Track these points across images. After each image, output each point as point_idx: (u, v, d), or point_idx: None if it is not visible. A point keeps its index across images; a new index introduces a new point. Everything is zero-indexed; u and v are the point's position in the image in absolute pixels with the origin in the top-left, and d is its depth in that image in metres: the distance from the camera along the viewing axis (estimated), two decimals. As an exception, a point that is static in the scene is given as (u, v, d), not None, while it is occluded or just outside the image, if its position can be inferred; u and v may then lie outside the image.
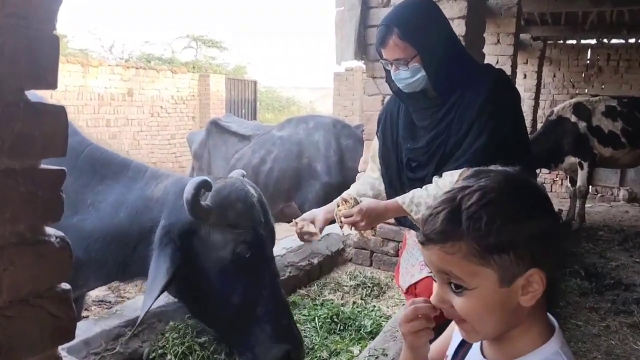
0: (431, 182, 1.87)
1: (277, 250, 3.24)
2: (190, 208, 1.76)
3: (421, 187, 1.88)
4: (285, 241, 3.65)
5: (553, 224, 0.91)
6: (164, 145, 11.95)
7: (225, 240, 1.83)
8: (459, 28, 3.06)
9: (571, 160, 6.14)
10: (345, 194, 2.02)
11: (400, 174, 2.05)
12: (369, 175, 2.21)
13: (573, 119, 6.09)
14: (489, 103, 1.81)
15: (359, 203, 1.87)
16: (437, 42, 1.85)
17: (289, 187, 4.96)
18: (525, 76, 7.86)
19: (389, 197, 2.10)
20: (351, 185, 2.24)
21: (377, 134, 2.20)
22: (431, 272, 0.95)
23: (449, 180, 1.80)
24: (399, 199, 1.87)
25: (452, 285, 0.91)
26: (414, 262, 1.97)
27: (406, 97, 1.96)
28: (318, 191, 4.82)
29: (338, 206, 1.90)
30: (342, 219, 1.85)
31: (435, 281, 0.95)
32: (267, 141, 5.17)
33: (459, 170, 1.80)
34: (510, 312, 0.90)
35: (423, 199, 1.83)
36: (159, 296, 1.75)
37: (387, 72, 1.95)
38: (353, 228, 1.87)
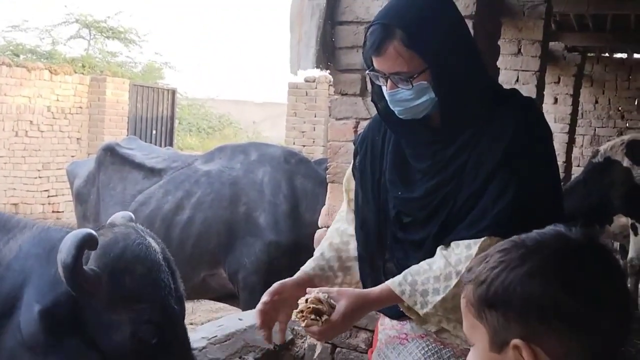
0: (433, 253, 1.90)
1: (195, 340, 3.19)
2: (70, 277, 1.72)
3: (417, 261, 1.90)
4: (207, 327, 3.60)
5: (555, 302, 1.07)
6: (31, 178, 11.72)
7: (121, 322, 1.81)
8: (464, 31, 3.19)
9: (622, 221, 6.29)
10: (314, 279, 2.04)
11: (382, 233, 2.08)
12: (339, 228, 2.23)
13: (626, 162, 6.25)
14: (518, 147, 1.87)
15: (332, 307, 1.82)
16: (454, 54, 1.91)
17: (216, 246, 4.94)
18: (556, 101, 8.19)
19: (361, 266, 2.13)
20: (316, 251, 2.23)
21: (352, 169, 2.24)
22: None
23: (464, 255, 1.83)
24: (394, 286, 1.87)
25: None
26: None
27: (399, 125, 2.00)
28: (259, 254, 4.82)
29: (302, 313, 1.83)
30: (315, 336, 1.84)
31: None
32: (187, 178, 5.16)
33: (478, 241, 1.84)
34: None
35: (431, 284, 1.84)
36: None
37: (376, 87, 2.00)
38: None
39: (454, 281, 1.82)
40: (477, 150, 1.91)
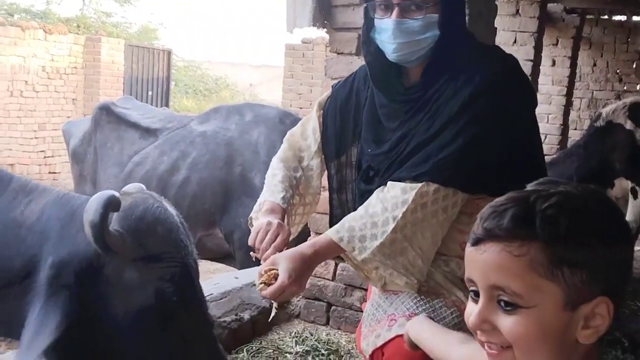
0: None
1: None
2: (97, 236, 1.77)
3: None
4: (203, 286, 3.64)
5: (631, 255, 1.10)
6: (27, 139, 11.69)
7: (143, 280, 1.87)
8: (461, -10, 3.18)
9: (623, 183, 6.30)
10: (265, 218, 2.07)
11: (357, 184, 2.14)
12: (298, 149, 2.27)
13: (629, 125, 6.20)
14: (479, 99, 1.86)
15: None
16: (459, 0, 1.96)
17: (211, 207, 4.95)
18: (554, 63, 8.15)
19: (335, 211, 2.20)
20: (269, 184, 2.24)
21: (322, 107, 2.26)
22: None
23: (401, 200, 1.85)
24: (332, 235, 1.90)
25: (502, 303, 1.07)
26: (381, 317, 2.02)
27: (381, 74, 2.00)
28: (255, 215, 4.83)
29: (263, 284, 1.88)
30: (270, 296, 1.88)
31: (474, 299, 1.12)
32: (182, 139, 5.16)
33: (416, 186, 1.85)
34: (566, 346, 1.06)
35: (368, 230, 1.86)
36: None
37: (369, 26, 1.98)
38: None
39: (391, 226, 1.84)
40: (438, 102, 1.91)
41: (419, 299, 1.96)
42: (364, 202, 2.02)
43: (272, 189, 2.19)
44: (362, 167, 2.10)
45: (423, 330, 1.68)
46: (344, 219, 1.93)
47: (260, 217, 2.09)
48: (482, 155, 1.85)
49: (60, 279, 1.84)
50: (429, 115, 1.91)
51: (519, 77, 2.00)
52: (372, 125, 2.07)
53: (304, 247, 1.91)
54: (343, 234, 1.89)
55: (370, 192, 2.02)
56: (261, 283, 1.87)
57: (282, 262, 1.85)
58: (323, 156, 2.26)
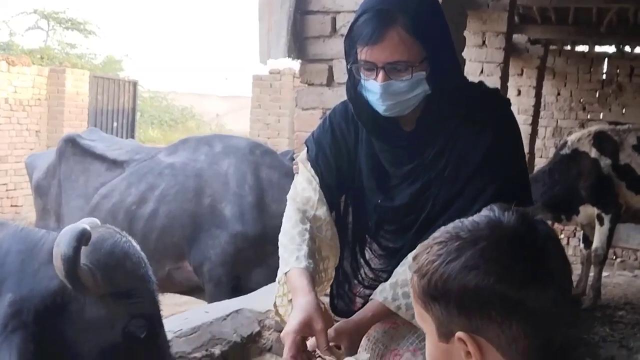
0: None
1: (160, 334, 3.18)
2: (70, 270, 1.72)
3: (393, 267, 1.93)
4: (172, 321, 3.58)
5: (518, 290, 1.09)
6: (-11, 172, 11.51)
7: (111, 317, 1.83)
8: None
9: (589, 210, 6.39)
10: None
11: (362, 236, 2.09)
12: (310, 214, 2.07)
13: (593, 153, 6.34)
14: (498, 146, 1.88)
15: (339, 347, 1.85)
16: (447, 46, 1.90)
17: (180, 239, 4.91)
18: (519, 92, 8.29)
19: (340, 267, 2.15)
20: (288, 248, 2.06)
21: (309, 159, 2.12)
22: None
23: None
24: (388, 304, 1.88)
25: None
26: (382, 352, 1.99)
27: (374, 125, 1.96)
28: (225, 246, 4.80)
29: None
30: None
31: None
32: (150, 170, 5.12)
33: None
34: None
35: None
36: None
37: (355, 82, 1.93)
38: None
39: None
40: (456, 150, 1.89)
41: (419, 332, 1.92)
42: (384, 257, 2.05)
43: (291, 253, 2.02)
44: (367, 215, 2.05)
45: None
46: (389, 283, 1.89)
47: (289, 319, 1.90)
48: (510, 198, 1.86)
49: (19, 317, 1.78)
50: (452, 167, 1.89)
51: (513, 113, 2.05)
52: (373, 171, 2.01)
53: (362, 317, 1.91)
54: (400, 302, 1.86)
55: (390, 249, 2.02)
56: None
57: (346, 340, 1.86)
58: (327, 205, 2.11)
